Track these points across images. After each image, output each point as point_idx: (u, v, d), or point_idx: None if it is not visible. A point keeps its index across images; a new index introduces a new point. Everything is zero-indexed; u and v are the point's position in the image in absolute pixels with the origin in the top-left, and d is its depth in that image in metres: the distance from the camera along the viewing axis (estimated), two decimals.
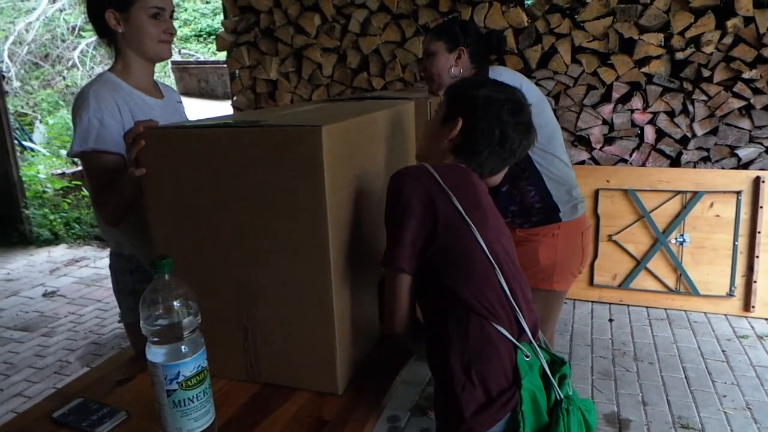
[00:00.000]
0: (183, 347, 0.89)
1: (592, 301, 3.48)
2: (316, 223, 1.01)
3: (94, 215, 4.89)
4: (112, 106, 1.40)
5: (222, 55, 5.19)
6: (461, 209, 1.04)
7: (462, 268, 1.05)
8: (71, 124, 1.43)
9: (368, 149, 1.23)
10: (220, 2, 4.23)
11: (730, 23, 2.98)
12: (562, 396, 1.05)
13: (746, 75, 3.03)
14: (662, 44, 3.13)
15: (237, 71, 4.05)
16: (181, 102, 1.71)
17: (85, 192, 5.42)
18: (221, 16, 4.16)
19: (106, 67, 1.51)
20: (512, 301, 1.06)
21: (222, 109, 7.66)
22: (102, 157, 1.39)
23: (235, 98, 4.13)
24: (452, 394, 1.02)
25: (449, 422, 1.05)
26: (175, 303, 0.88)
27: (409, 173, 1.08)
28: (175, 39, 1.54)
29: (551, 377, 1.06)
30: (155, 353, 0.89)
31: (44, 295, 3.93)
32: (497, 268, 1.05)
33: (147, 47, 1.46)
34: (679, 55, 3.12)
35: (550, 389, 1.06)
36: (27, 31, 9.54)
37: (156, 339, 0.88)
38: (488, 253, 1.05)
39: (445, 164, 1.15)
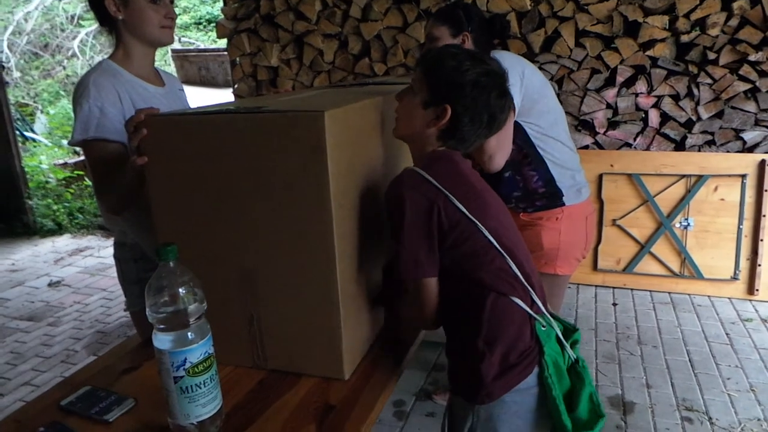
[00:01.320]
0: (189, 334, 0.89)
1: (596, 286, 3.48)
2: (320, 208, 1.01)
3: (97, 204, 4.90)
4: (112, 93, 1.39)
5: (222, 43, 5.16)
6: (462, 207, 1.08)
7: (474, 257, 1.10)
8: (72, 113, 1.43)
9: (371, 135, 1.22)
10: None
11: (736, 5, 2.95)
12: (575, 357, 1.15)
13: (752, 57, 3.00)
14: (667, 27, 3.10)
15: (238, 58, 4.02)
16: (182, 89, 1.70)
17: (88, 182, 5.42)
18: (221, 3, 4.12)
19: (107, 56, 1.50)
20: (522, 279, 1.12)
21: (223, 96, 7.63)
22: (103, 145, 1.38)
23: (236, 86, 4.10)
24: (472, 363, 1.09)
25: (469, 390, 1.11)
26: (180, 290, 0.88)
27: (407, 184, 1.09)
28: (175, 27, 1.52)
29: (565, 342, 1.15)
30: (162, 340, 0.89)
31: (49, 284, 3.95)
32: (506, 256, 1.10)
33: (148, 33, 1.45)
34: (685, 38, 3.09)
35: (564, 352, 1.14)
36: (26, 20, 9.48)
37: (162, 326, 0.89)
38: (495, 243, 1.10)
39: (434, 159, 1.14)
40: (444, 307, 1.14)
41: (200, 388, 0.91)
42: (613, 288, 3.45)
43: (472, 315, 1.09)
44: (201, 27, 11.90)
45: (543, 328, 1.11)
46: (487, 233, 1.09)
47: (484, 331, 1.08)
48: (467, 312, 1.10)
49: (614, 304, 3.27)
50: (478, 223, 1.08)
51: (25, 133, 7.31)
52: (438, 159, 1.15)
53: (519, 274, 1.11)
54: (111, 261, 1.71)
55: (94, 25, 9.63)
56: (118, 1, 1.41)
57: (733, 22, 2.99)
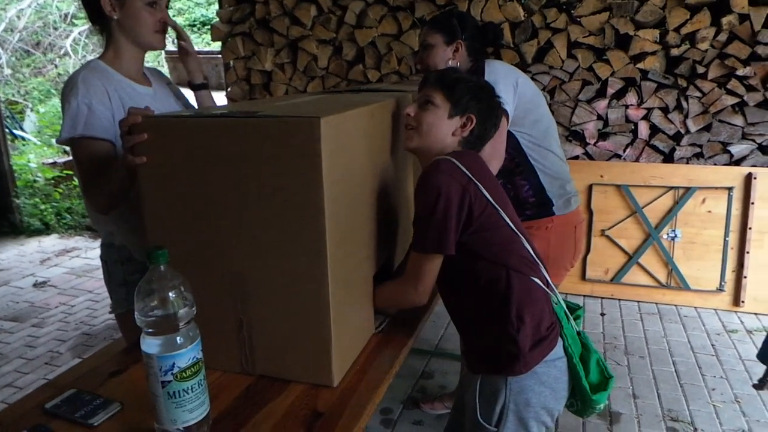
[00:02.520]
0: (178, 338, 0.88)
1: (585, 295, 3.50)
2: (313, 215, 1.01)
3: (84, 204, 4.86)
4: (101, 92, 1.39)
5: (216, 46, 5.15)
6: (487, 195, 1.20)
7: (497, 240, 1.22)
8: (61, 112, 1.42)
9: (365, 141, 1.23)
10: None
11: (725, 20, 2.99)
12: (578, 329, 1.31)
13: (740, 72, 3.05)
14: (657, 40, 3.14)
15: (232, 62, 4.02)
16: (170, 83, 1.69)
17: (76, 182, 5.37)
18: (215, 6, 4.12)
19: (97, 56, 1.49)
20: (535, 258, 1.26)
21: (216, 99, 7.59)
22: (91, 143, 1.37)
23: (229, 89, 4.10)
24: (509, 336, 1.19)
25: (506, 363, 1.20)
26: (170, 294, 0.88)
27: (444, 170, 1.19)
28: (167, 33, 1.52)
29: (569, 315, 1.30)
30: (150, 344, 0.88)
31: (35, 285, 3.91)
32: (521, 236, 1.24)
33: (141, 36, 1.45)
34: (674, 52, 3.13)
35: (569, 324, 1.30)
36: (18, 18, 9.41)
37: (151, 330, 0.88)
38: (512, 226, 1.23)
39: (464, 154, 1.27)
40: (472, 289, 1.23)
41: (188, 393, 0.90)
42: (602, 298, 3.47)
43: (502, 294, 1.20)
44: (195, 29, 11.87)
45: (555, 305, 1.27)
46: (508, 221, 1.22)
47: (515, 308, 1.19)
48: (497, 292, 1.20)
49: (602, 314, 3.29)
50: (501, 210, 1.21)
51: (14, 131, 7.23)
52: (469, 156, 1.27)
53: (532, 252, 1.25)
54: (98, 262, 1.70)
55: (87, 24, 9.58)
56: (114, 1, 1.40)
57: (722, 37, 3.04)
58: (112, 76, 1.44)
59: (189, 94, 1.74)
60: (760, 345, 2.85)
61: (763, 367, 1.94)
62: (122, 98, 1.42)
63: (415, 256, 1.24)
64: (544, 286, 1.25)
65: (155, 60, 9.58)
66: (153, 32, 1.45)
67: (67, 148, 5.83)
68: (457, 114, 1.28)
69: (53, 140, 6.86)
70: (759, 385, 1.32)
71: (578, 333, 1.30)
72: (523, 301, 1.20)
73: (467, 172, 1.20)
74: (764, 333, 3.01)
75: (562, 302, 1.30)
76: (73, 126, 1.35)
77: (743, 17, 2.99)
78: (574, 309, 1.36)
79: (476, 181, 1.20)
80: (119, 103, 1.41)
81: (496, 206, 1.21)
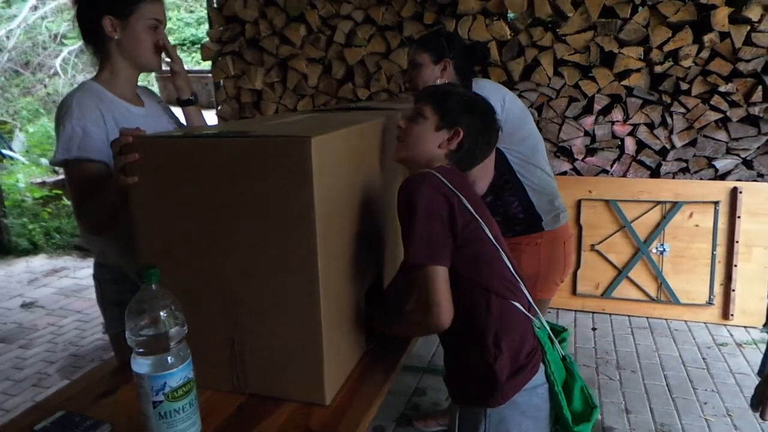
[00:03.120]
0: (169, 358, 0.88)
1: (576, 310, 3.51)
2: (304, 234, 1.01)
3: (76, 224, 4.82)
4: (95, 114, 1.39)
5: (206, 64, 5.17)
6: (470, 208, 1.17)
7: (479, 258, 1.18)
8: (52, 132, 1.43)
9: (356, 160, 1.24)
10: (205, 12, 4.23)
11: (706, 38, 3.06)
12: (563, 353, 1.26)
13: (722, 88, 3.11)
14: (641, 58, 3.20)
15: (222, 81, 4.04)
16: (162, 101, 1.70)
17: (66, 201, 5.34)
18: (206, 26, 4.15)
19: (89, 75, 1.50)
20: (518, 278, 1.22)
21: (206, 118, 7.60)
22: (85, 165, 1.38)
23: (219, 108, 4.11)
24: (486, 365, 1.15)
25: (483, 394, 1.17)
26: (161, 313, 0.88)
27: (425, 181, 1.16)
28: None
29: (554, 338, 1.25)
30: (141, 364, 0.88)
31: (22, 306, 3.86)
32: (503, 254, 1.21)
33: (140, 57, 1.47)
34: (658, 69, 3.19)
35: (554, 348, 1.25)
36: (8, 38, 9.41)
37: (141, 350, 0.88)
38: (494, 242, 1.20)
39: (448, 170, 1.25)
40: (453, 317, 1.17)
41: (179, 413, 0.90)
42: (593, 313, 3.48)
43: (480, 319, 1.16)
44: (185, 48, 11.93)
45: (538, 329, 1.21)
46: (487, 231, 1.18)
47: (493, 334, 1.15)
48: (475, 318, 1.16)
49: (593, 329, 3.30)
50: (485, 227, 1.18)
51: (3, 151, 7.20)
52: (451, 171, 1.25)
53: (514, 272, 1.21)
54: (87, 282, 1.69)
55: (77, 44, 9.59)
56: (116, 22, 1.41)
57: (704, 54, 3.11)
58: (106, 97, 1.45)
59: (178, 111, 1.75)
60: (751, 359, 2.88)
61: (754, 381, 1.93)
62: (116, 119, 1.43)
63: (416, 276, 1.16)
64: (525, 310, 1.20)
65: (145, 79, 9.59)
66: (152, 54, 1.47)
67: (58, 168, 5.78)
68: (444, 127, 1.27)
69: (42, 160, 6.83)
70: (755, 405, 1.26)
71: (563, 358, 1.25)
72: (501, 328, 1.16)
73: (449, 185, 1.17)
74: (753, 346, 3.03)
75: (546, 325, 1.25)
76: (67, 148, 1.36)
77: (724, 35, 3.06)
78: (559, 332, 1.31)
79: (459, 194, 1.17)
80: (113, 125, 1.41)
81: (480, 220, 1.18)
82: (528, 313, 1.21)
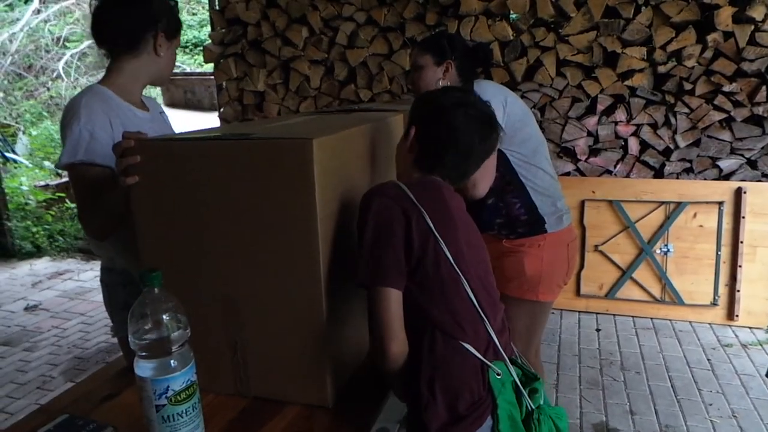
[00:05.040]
0: (172, 361, 0.88)
1: (579, 311, 3.50)
2: (306, 236, 1.01)
3: (80, 228, 4.83)
4: (102, 118, 1.39)
5: (209, 67, 5.18)
6: (431, 224, 1.04)
7: (431, 283, 1.05)
8: (56, 135, 1.44)
9: (358, 162, 1.24)
10: (207, 14, 4.24)
11: (710, 37, 3.05)
12: (533, 407, 1.07)
13: (726, 88, 3.10)
14: (645, 58, 3.19)
15: (224, 83, 4.04)
16: (163, 112, 1.71)
17: (70, 204, 5.35)
18: (208, 28, 4.16)
19: (92, 78, 1.51)
20: (481, 314, 1.07)
21: (209, 120, 7.63)
22: (91, 169, 1.38)
23: (222, 110, 4.12)
24: (417, 412, 1.03)
25: None
26: (164, 317, 0.88)
27: (383, 192, 1.08)
28: None
29: (523, 390, 1.07)
30: (143, 368, 0.88)
31: (26, 308, 3.86)
32: (464, 281, 1.06)
33: (167, 75, 1.55)
34: (662, 69, 3.18)
35: (522, 401, 1.07)
36: (11, 41, 9.44)
37: (144, 353, 0.88)
38: (455, 266, 1.05)
39: (418, 181, 1.15)
40: None
41: (182, 417, 0.90)
42: (597, 313, 3.47)
43: (414, 354, 1.04)
44: (187, 51, 11.95)
45: (498, 377, 1.05)
46: (447, 252, 1.04)
47: (427, 375, 1.02)
48: (412, 354, 1.04)
49: (597, 330, 3.28)
50: (441, 240, 1.04)
51: (6, 154, 7.21)
52: (423, 183, 1.15)
53: (482, 315, 1.06)
54: (91, 285, 1.69)
55: (80, 47, 9.62)
56: (164, 40, 1.46)
57: (708, 53, 3.10)
58: (113, 101, 1.45)
59: (179, 116, 1.76)
60: (756, 360, 2.86)
61: (759, 382, 1.93)
62: (124, 123, 1.44)
63: (367, 298, 1.05)
64: (478, 353, 1.04)
65: None
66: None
67: (61, 171, 5.78)
68: (408, 131, 1.20)
69: (46, 162, 6.85)
70: None
71: (531, 411, 1.06)
72: (438, 371, 1.02)
73: (412, 196, 1.06)
74: (759, 347, 3.01)
75: (513, 372, 1.07)
76: (73, 152, 1.36)
77: (728, 35, 3.05)
78: (532, 379, 1.11)
79: (422, 207, 1.05)
80: (120, 129, 1.41)
81: (440, 239, 1.04)
82: (483, 357, 1.04)
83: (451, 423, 1.01)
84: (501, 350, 1.08)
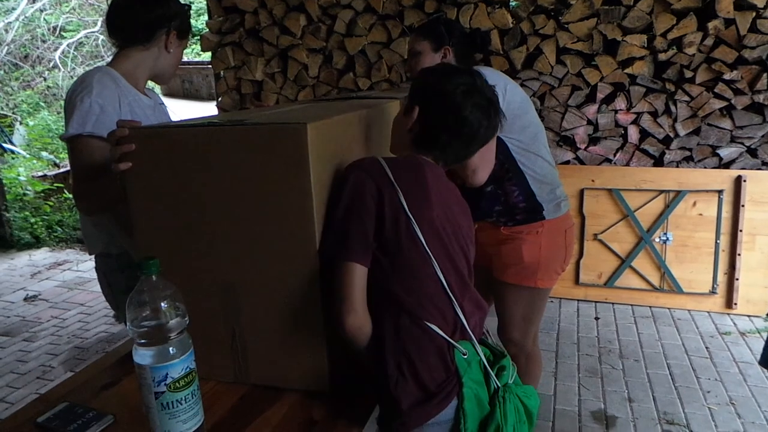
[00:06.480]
0: (171, 349, 0.88)
1: (578, 300, 3.51)
2: (302, 221, 1.01)
3: (76, 212, 4.82)
4: (113, 95, 1.43)
5: (206, 56, 5.15)
6: (404, 203, 1.04)
7: (399, 263, 1.05)
8: (53, 125, 1.44)
9: (353, 147, 1.23)
10: (204, 3, 4.20)
11: (711, 25, 3.03)
12: (500, 385, 1.08)
13: (727, 76, 3.08)
14: (645, 45, 3.17)
15: (222, 72, 4.02)
16: (163, 103, 1.73)
17: (68, 195, 5.34)
18: (205, 17, 4.13)
19: (88, 68, 1.52)
20: (450, 295, 1.07)
21: (207, 109, 7.59)
22: (96, 143, 1.39)
23: (220, 99, 4.10)
24: (386, 390, 1.04)
25: (384, 419, 1.06)
26: (162, 304, 0.88)
27: (362, 167, 1.08)
28: None
29: (489, 369, 1.09)
30: (142, 355, 0.88)
31: (26, 299, 3.87)
32: (435, 262, 1.05)
33: (170, 73, 1.60)
34: (662, 57, 3.16)
35: (489, 380, 1.09)
36: (6, 31, 9.37)
37: (143, 341, 0.87)
38: (426, 247, 1.05)
39: (401, 158, 1.14)
40: None
41: (181, 404, 0.89)
42: (595, 302, 3.48)
43: (384, 339, 1.05)
44: None
45: (464, 356, 1.06)
46: (419, 232, 1.03)
47: (395, 353, 1.03)
48: (379, 335, 1.05)
49: (596, 318, 3.29)
50: (413, 220, 1.03)
51: (3, 145, 7.19)
52: (406, 161, 1.13)
53: (446, 285, 1.06)
54: (90, 275, 1.69)
55: (76, 36, 9.56)
56: (175, 39, 1.53)
57: (709, 41, 3.08)
58: (122, 83, 1.49)
59: (177, 105, 1.78)
60: (754, 348, 2.88)
61: (757, 370, 1.94)
62: (131, 105, 1.48)
63: (331, 272, 1.05)
64: (445, 335, 1.05)
65: None
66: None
67: (59, 161, 5.76)
68: (409, 109, 1.18)
69: (43, 153, 6.83)
70: None
71: (500, 387, 1.08)
72: (406, 351, 1.03)
73: (389, 174, 1.05)
74: (757, 335, 3.02)
75: (480, 351, 1.09)
76: (82, 123, 1.37)
77: (729, 22, 3.03)
78: (499, 357, 1.13)
79: (397, 186, 1.04)
80: (128, 110, 1.46)
81: (413, 219, 1.03)
82: (450, 338, 1.06)
83: (423, 400, 1.03)
84: (469, 330, 1.09)
